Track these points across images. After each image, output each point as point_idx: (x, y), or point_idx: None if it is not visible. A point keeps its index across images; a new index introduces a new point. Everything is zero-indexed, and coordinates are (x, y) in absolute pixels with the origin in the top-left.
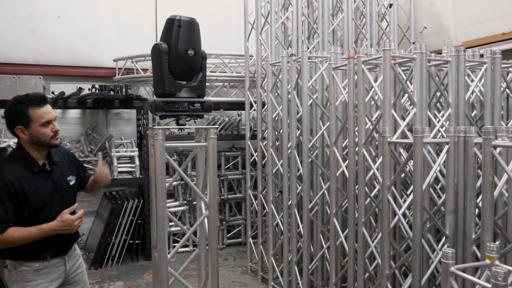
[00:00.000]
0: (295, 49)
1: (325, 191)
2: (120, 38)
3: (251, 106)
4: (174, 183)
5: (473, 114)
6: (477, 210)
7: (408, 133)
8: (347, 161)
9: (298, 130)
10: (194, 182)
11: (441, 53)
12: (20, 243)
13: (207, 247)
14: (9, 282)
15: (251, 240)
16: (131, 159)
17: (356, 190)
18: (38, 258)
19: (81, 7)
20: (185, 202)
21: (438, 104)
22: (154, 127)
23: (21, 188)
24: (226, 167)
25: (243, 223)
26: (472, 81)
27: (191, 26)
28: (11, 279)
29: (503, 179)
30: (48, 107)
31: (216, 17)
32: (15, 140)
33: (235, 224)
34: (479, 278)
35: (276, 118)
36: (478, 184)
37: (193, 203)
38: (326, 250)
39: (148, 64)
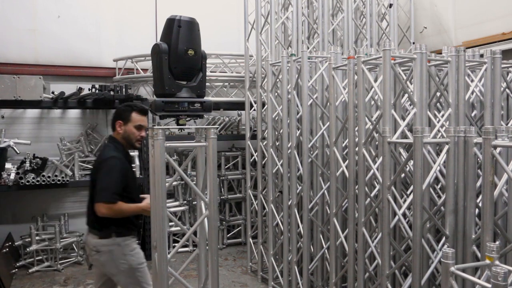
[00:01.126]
0: (295, 49)
1: (325, 191)
2: (120, 38)
3: (251, 106)
4: (174, 183)
5: (473, 114)
6: (477, 210)
7: (408, 133)
8: (347, 161)
9: (298, 130)
10: (194, 182)
11: (441, 53)
12: (123, 215)
13: (207, 247)
14: (110, 262)
15: (251, 240)
16: None
17: (356, 190)
18: (131, 234)
19: (81, 7)
20: (185, 202)
21: (438, 104)
22: (154, 127)
23: (126, 169)
24: (226, 167)
25: (243, 223)
26: (472, 81)
27: (191, 26)
28: (117, 255)
29: (503, 179)
30: (145, 117)
31: (216, 17)
32: (15, 140)
33: (235, 224)
34: (479, 278)
35: (276, 118)
36: (478, 184)
37: (193, 203)
38: (326, 250)
39: (148, 64)
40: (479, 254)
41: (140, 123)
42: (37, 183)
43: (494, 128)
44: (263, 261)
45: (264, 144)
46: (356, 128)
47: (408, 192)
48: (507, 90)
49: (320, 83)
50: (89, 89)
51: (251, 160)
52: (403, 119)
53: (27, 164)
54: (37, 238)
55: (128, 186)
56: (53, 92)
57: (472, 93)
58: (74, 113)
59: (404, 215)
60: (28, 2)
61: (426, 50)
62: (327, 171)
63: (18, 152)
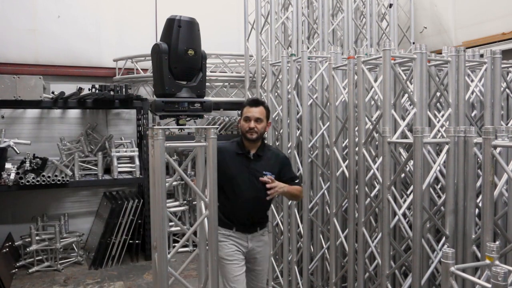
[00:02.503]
0: (295, 49)
1: (325, 191)
2: (120, 38)
3: None
4: (174, 183)
5: (473, 114)
6: (477, 210)
7: (408, 133)
8: (347, 161)
9: (298, 130)
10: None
11: (441, 53)
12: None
13: (207, 247)
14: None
15: None
16: (131, 159)
17: (356, 190)
18: (225, 226)
19: (81, 7)
20: (185, 202)
21: (438, 104)
22: (154, 127)
23: (222, 159)
24: None
25: None
26: (472, 81)
27: (191, 26)
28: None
29: (503, 179)
30: (254, 108)
31: (216, 17)
32: (15, 140)
33: None
34: (479, 278)
35: (276, 118)
36: (478, 184)
37: (193, 203)
38: (326, 250)
39: (148, 64)
40: (479, 254)
41: (247, 114)
42: (37, 183)
43: (494, 128)
44: None
45: None
46: (356, 128)
47: (408, 192)
48: (507, 90)
49: (320, 83)
50: (89, 89)
51: None
52: (403, 119)
53: (27, 164)
54: (37, 238)
55: (223, 179)
56: (53, 92)
57: (472, 93)
58: (74, 113)
59: (404, 215)
60: (28, 2)
61: (426, 50)
62: (327, 171)
63: (18, 152)
